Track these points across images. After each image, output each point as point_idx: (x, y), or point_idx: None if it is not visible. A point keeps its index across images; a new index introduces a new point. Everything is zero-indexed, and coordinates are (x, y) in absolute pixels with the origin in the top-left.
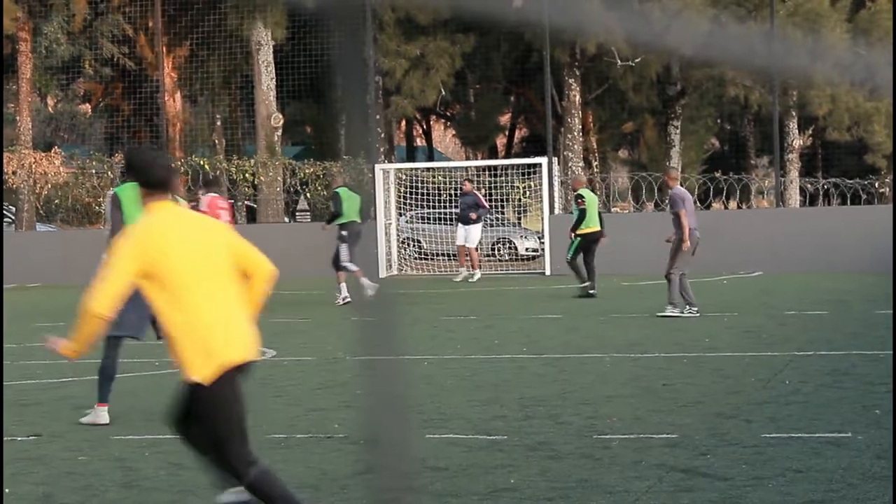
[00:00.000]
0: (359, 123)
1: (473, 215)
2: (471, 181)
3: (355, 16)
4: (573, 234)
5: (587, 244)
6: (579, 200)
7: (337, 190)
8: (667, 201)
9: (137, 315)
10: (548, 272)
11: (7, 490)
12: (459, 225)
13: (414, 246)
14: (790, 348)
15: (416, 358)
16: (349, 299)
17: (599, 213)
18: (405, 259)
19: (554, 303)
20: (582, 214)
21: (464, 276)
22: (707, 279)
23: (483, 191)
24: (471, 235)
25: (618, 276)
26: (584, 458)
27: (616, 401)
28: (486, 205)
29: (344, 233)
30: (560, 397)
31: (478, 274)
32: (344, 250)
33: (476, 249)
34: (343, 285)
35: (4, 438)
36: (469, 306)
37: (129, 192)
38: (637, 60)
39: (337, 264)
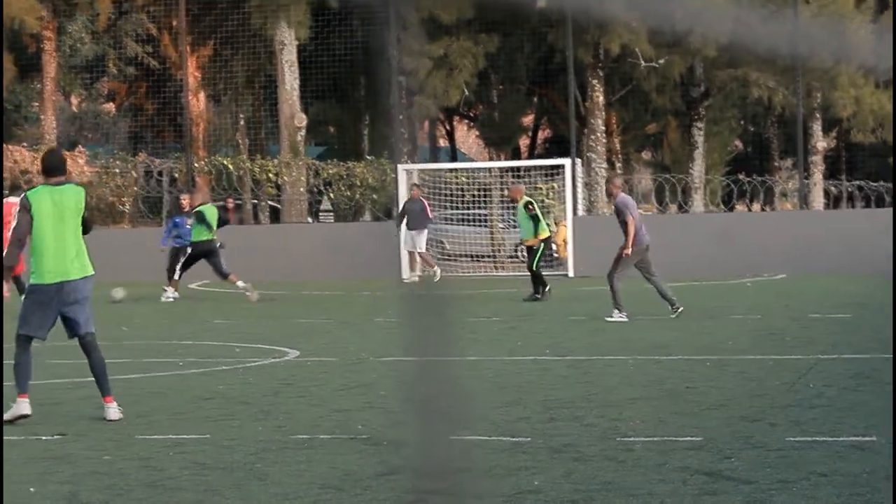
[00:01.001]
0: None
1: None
2: (419, 187)
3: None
4: (538, 242)
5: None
6: (529, 207)
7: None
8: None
9: (41, 317)
10: (571, 274)
11: (32, 489)
12: (407, 231)
13: (437, 247)
14: (814, 351)
15: (440, 359)
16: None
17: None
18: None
19: (577, 304)
20: (536, 220)
21: (420, 276)
22: (731, 282)
23: (506, 192)
24: (419, 240)
25: (641, 279)
26: (607, 461)
27: (640, 403)
28: (431, 215)
29: None
30: (584, 399)
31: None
32: None
33: (426, 250)
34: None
35: (30, 438)
36: (492, 308)
37: (39, 195)
38: (661, 62)
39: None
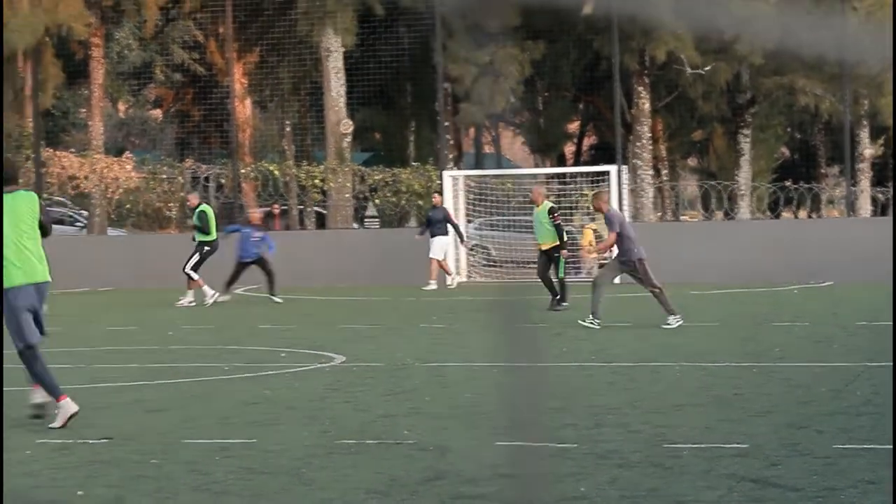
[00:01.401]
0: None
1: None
2: (440, 194)
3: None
4: (562, 252)
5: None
6: (554, 215)
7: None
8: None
9: (26, 321)
10: (617, 280)
11: (80, 492)
12: (430, 237)
13: (482, 253)
14: (861, 359)
15: (485, 365)
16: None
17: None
18: (473, 266)
19: (622, 311)
20: (559, 229)
21: (443, 283)
22: (777, 289)
23: (552, 198)
24: (436, 247)
25: (687, 286)
26: (653, 467)
27: (686, 410)
28: (455, 220)
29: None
30: (630, 406)
31: (452, 281)
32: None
33: (444, 259)
34: None
35: (77, 441)
36: (537, 314)
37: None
38: (707, 69)
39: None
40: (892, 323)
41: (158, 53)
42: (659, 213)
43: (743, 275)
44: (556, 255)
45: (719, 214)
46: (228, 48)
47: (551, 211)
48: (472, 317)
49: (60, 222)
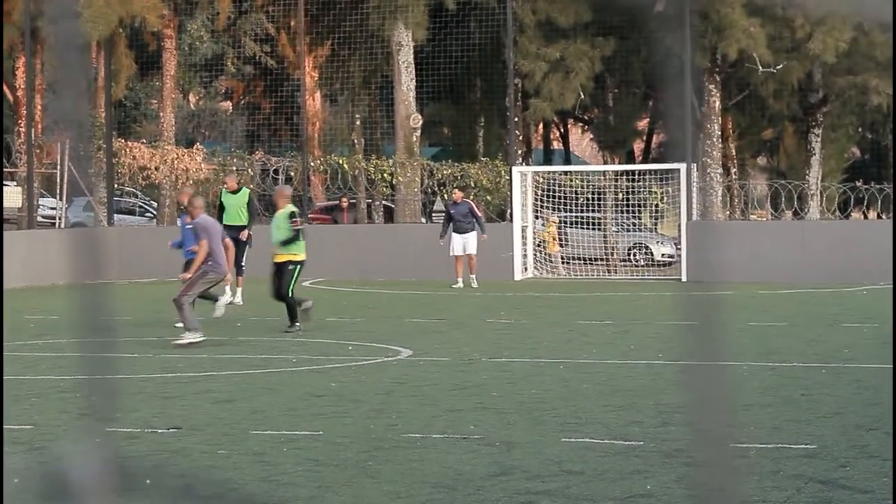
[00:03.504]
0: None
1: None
2: (462, 189)
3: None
4: (295, 261)
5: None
6: (295, 220)
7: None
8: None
9: None
10: (684, 278)
11: (148, 481)
12: (455, 235)
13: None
14: None
15: (551, 361)
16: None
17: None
18: (540, 262)
19: (686, 309)
20: (298, 236)
21: (465, 282)
22: (847, 289)
23: (620, 195)
24: (470, 243)
25: (755, 285)
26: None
27: (754, 409)
28: (480, 213)
29: None
30: (687, 403)
31: (474, 281)
32: None
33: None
34: None
35: (145, 431)
36: (605, 311)
37: None
38: (779, 67)
39: None
40: (892, 327)
41: (230, 46)
42: (728, 212)
43: (812, 275)
44: (291, 267)
45: (788, 214)
46: (300, 41)
47: (292, 215)
48: (538, 312)
49: (131, 212)
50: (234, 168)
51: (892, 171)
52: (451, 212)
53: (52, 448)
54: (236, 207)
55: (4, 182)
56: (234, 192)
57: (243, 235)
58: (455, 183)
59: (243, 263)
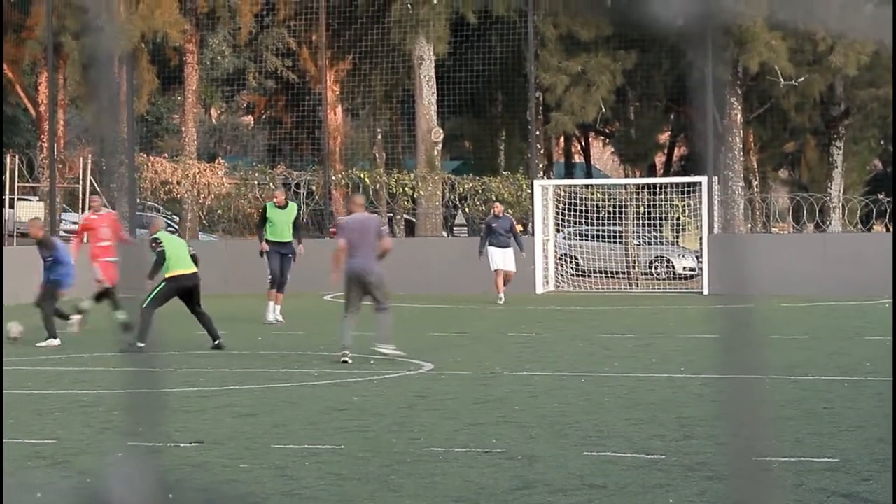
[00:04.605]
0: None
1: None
2: (501, 202)
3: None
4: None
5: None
6: (155, 244)
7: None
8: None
9: None
10: (706, 291)
11: (170, 495)
12: (495, 249)
13: (571, 262)
14: None
15: (573, 375)
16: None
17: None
18: (562, 275)
19: (712, 322)
20: (161, 257)
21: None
22: (869, 302)
23: (641, 208)
24: (509, 259)
25: (778, 298)
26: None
27: (776, 423)
28: (519, 228)
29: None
30: (718, 418)
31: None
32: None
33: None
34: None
35: (167, 445)
36: (626, 324)
37: None
38: (800, 80)
39: None
40: (892, 336)
41: (251, 60)
42: (749, 225)
43: (834, 288)
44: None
45: (810, 227)
46: (321, 55)
47: (154, 241)
48: (560, 326)
49: None
50: (282, 183)
51: (892, 181)
52: (493, 225)
53: (85, 464)
54: (285, 224)
55: (27, 196)
56: (283, 207)
57: (301, 250)
58: (476, 196)
59: (287, 279)
